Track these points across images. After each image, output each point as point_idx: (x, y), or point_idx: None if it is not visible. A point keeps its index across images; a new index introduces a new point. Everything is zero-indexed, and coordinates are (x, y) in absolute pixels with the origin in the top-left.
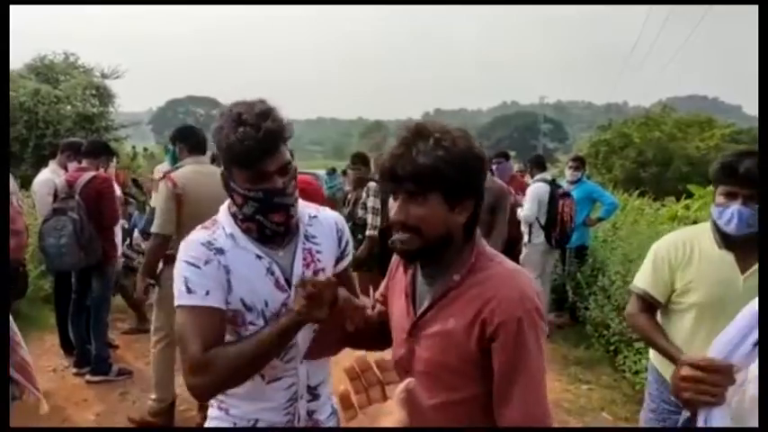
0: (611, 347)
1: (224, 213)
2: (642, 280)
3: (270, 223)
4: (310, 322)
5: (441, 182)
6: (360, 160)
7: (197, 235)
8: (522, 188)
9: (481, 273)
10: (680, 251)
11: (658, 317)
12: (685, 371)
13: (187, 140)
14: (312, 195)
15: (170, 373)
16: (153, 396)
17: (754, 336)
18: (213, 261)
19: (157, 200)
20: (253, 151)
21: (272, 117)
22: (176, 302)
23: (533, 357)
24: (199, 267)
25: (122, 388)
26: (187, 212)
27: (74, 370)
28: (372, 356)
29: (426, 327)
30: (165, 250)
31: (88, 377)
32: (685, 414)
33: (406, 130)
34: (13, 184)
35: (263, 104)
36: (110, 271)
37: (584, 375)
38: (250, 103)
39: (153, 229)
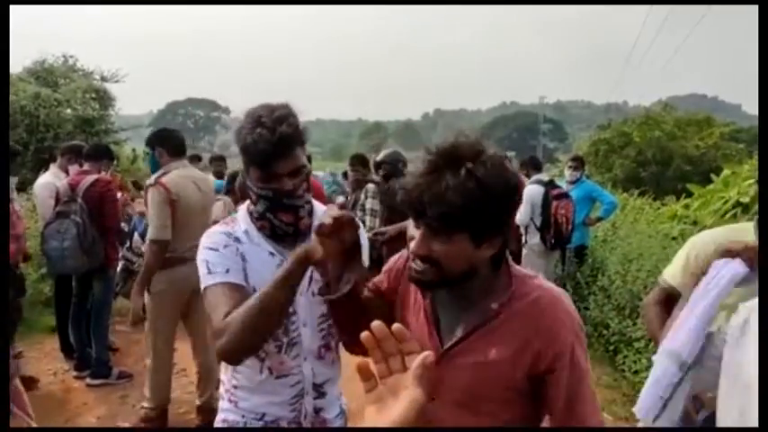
0: (611, 347)
1: (242, 211)
2: (671, 275)
3: (279, 222)
4: (312, 260)
5: (469, 222)
6: (358, 162)
7: (217, 227)
8: None
9: (523, 300)
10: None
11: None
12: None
13: (166, 144)
14: (316, 196)
15: (165, 379)
16: (146, 404)
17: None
18: (231, 246)
19: (152, 206)
20: (266, 153)
21: (288, 122)
22: (201, 287)
23: (587, 376)
24: (217, 250)
25: (123, 391)
26: (178, 218)
27: (74, 373)
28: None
29: (461, 356)
30: (163, 257)
31: (88, 380)
32: (704, 414)
33: (435, 154)
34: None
35: (284, 109)
36: (111, 274)
37: None
38: (272, 106)
39: (150, 237)
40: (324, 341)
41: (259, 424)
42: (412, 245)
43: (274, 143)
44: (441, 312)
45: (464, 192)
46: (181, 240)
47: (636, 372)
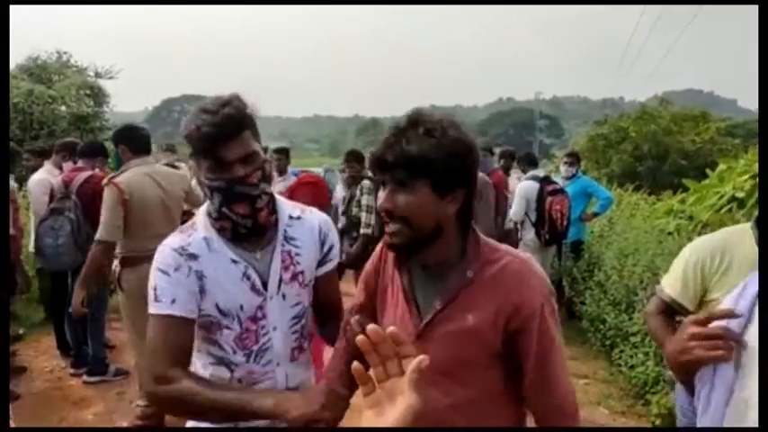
0: (608, 342)
1: (201, 214)
2: (669, 284)
3: (235, 216)
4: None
5: (429, 169)
6: (354, 158)
7: (171, 240)
8: (501, 183)
9: (494, 266)
10: (716, 258)
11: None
12: (692, 329)
13: (129, 141)
14: (321, 192)
15: None
16: (140, 401)
17: (754, 287)
18: (183, 267)
19: (104, 206)
20: (210, 136)
21: (232, 104)
22: (149, 310)
23: (557, 343)
24: (168, 274)
25: (120, 388)
26: (133, 218)
27: (71, 371)
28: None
29: (440, 326)
30: (106, 258)
31: (85, 378)
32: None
33: (401, 121)
34: (12, 185)
35: (230, 96)
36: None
37: (581, 370)
38: (219, 96)
39: (98, 237)
40: (296, 343)
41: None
42: (380, 202)
43: (218, 124)
44: (417, 291)
45: (421, 143)
46: (141, 239)
47: (632, 366)
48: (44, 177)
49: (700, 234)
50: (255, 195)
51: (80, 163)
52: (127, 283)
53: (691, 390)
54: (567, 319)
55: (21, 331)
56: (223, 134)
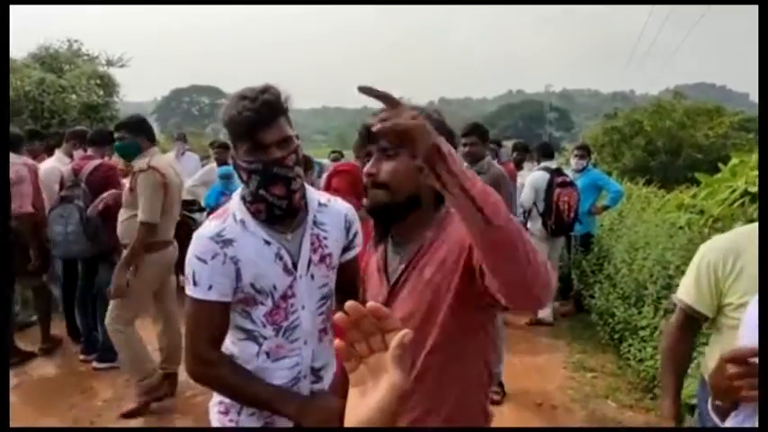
0: (616, 335)
1: (235, 199)
2: (684, 291)
3: (272, 197)
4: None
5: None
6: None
7: (206, 228)
8: (510, 176)
9: (450, 225)
10: (729, 261)
11: (710, 334)
12: (732, 368)
13: (148, 131)
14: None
15: (138, 353)
16: (137, 379)
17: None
18: (219, 255)
19: (145, 189)
20: (250, 120)
21: (270, 91)
22: (186, 291)
23: None
24: (205, 262)
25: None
26: (167, 203)
27: (81, 357)
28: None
29: (404, 288)
30: (151, 239)
31: (95, 364)
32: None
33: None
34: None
35: (266, 84)
36: (116, 259)
37: (589, 363)
38: (255, 86)
39: (143, 219)
40: (322, 324)
41: (253, 418)
42: (365, 168)
43: (257, 110)
44: (389, 258)
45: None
46: (166, 224)
47: (641, 360)
48: (54, 165)
49: (711, 228)
50: (291, 177)
51: (90, 151)
52: (150, 267)
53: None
54: (576, 312)
55: (33, 318)
56: (262, 119)
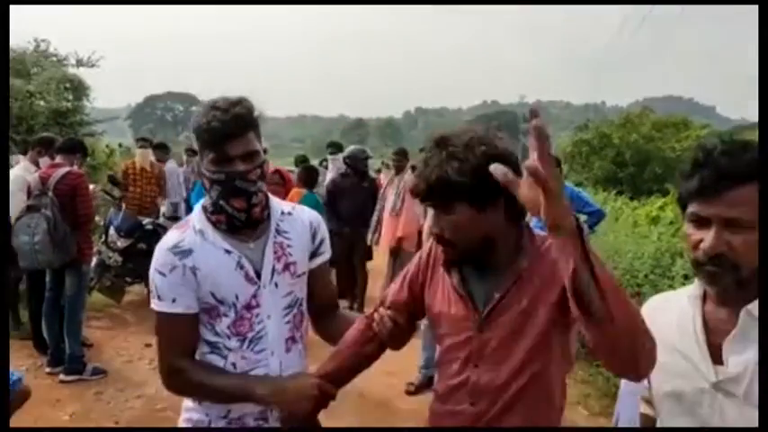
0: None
1: (196, 210)
2: None
3: (231, 209)
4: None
5: (457, 192)
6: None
7: (166, 239)
8: None
9: (544, 251)
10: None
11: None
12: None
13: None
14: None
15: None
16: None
17: None
18: (178, 267)
19: None
20: (218, 132)
21: (242, 104)
22: (152, 305)
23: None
24: (164, 275)
25: (97, 387)
26: None
27: (47, 369)
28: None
29: (500, 315)
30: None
31: (62, 377)
32: None
33: (428, 143)
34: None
35: (240, 97)
36: (85, 269)
37: None
38: (228, 97)
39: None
40: (290, 333)
41: (223, 422)
42: (432, 228)
43: (227, 122)
44: (471, 284)
45: (443, 168)
46: None
47: None
48: (19, 174)
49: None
50: (252, 192)
51: (58, 159)
52: None
53: None
54: None
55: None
56: (230, 131)
